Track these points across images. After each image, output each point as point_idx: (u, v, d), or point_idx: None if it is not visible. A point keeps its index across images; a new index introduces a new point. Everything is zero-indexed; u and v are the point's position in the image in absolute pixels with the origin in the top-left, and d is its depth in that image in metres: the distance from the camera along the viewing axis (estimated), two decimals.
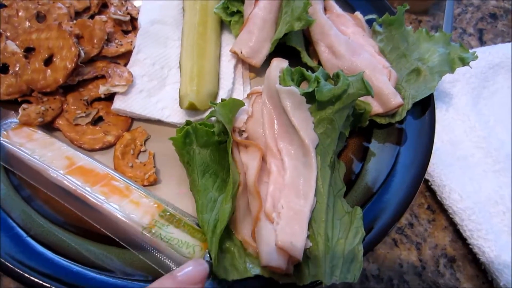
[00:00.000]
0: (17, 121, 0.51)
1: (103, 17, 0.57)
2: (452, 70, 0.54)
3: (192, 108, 0.51)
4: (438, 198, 0.59)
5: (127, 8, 0.60)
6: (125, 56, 0.57)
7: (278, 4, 0.55)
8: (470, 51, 0.54)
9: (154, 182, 0.49)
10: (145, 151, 0.53)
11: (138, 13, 0.60)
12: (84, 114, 0.52)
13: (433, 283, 0.55)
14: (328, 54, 0.54)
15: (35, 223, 0.46)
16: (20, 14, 0.57)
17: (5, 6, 0.57)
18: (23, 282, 0.41)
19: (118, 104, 0.52)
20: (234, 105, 0.45)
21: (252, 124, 0.46)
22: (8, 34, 0.55)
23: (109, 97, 0.54)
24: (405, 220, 0.60)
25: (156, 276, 0.39)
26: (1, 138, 0.48)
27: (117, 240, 0.43)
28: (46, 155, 0.46)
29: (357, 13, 0.59)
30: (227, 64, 0.57)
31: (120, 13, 0.59)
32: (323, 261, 0.40)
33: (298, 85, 0.47)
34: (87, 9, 0.60)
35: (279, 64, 0.47)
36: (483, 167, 0.61)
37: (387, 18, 0.55)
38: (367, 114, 0.50)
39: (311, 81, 0.44)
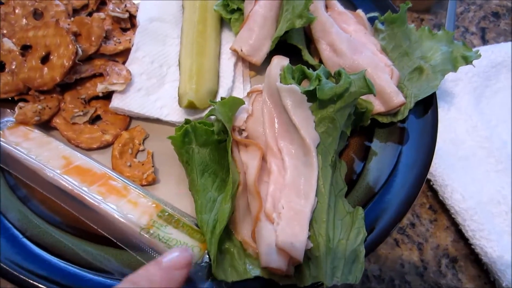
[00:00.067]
0: (13, 120, 0.50)
1: (101, 15, 0.56)
2: (455, 69, 0.53)
3: (191, 107, 0.51)
4: (440, 198, 0.59)
5: (125, 6, 0.60)
6: (124, 54, 0.56)
7: (279, 2, 0.55)
8: (473, 49, 0.54)
9: (152, 182, 0.49)
10: (143, 150, 0.52)
11: (137, 10, 0.60)
12: (81, 113, 0.52)
13: (434, 284, 0.55)
14: (330, 52, 0.53)
15: (31, 223, 0.45)
16: (17, 11, 0.56)
17: (1, 3, 0.57)
18: (19, 285, 0.41)
19: (116, 102, 0.52)
20: (234, 104, 0.44)
21: (252, 123, 0.46)
22: (5, 32, 0.55)
23: (107, 96, 0.53)
24: (406, 220, 0.59)
25: None
26: None
27: (115, 241, 0.42)
28: (43, 154, 0.46)
29: (359, 11, 0.59)
30: (227, 62, 0.57)
31: (118, 10, 0.58)
32: (324, 262, 0.39)
33: (299, 83, 0.46)
34: (85, 6, 0.59)
35: (280, 62, 0.46)
36: (486, 167, 0.61)
37: (389, 16, 0.55)
38: (369, 113, 0.50)
39: (312, 79, 0.44)
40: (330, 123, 0.44)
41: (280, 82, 0.44)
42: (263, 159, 0.43)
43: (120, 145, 0.51)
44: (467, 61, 0.53)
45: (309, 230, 0.40)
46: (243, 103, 0.45)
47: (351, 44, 0.52)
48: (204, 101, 0.51)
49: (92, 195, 0.43)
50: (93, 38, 0.53)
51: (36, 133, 0.49)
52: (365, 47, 0.53)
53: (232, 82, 0.55)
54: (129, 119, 0.54)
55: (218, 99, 0.53)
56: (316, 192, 0.41)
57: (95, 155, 0.51)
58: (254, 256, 0.41)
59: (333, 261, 0.40)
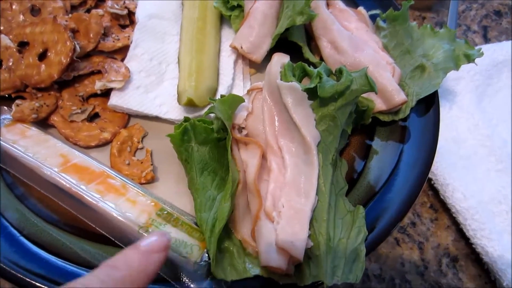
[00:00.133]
0: (11, 117, 0.49)
1: (100, 11, 0.56)
2: (457, 67, 0.53)
3: (190, 104, 0.50)
4: (441, 197, 0.59)
5: (124, 2, 0.59)
6: (122, 51, 0.55)
7: None
8: (475, 48, 0.54)
9: (151, 180, 0.48)
10: (142, 148, 0.52)
11: (136, 7, 0.59)
12: (79, 111, 0.51)
13: (435, 283, 0.55)
14: (331, 49, 0.53)
15: (28, 222, 0.45)
16: (14, 7, 0.56)
17: None
18: (17, 283, 0.40)
19: (115, 100, 0.51)
20: (233, 101, 0.44)
21: (252, 120, 0.45)
22: (2, 28, 0.54)
23: (106, 93, 0.53)
24: (407, 219, 0.59)
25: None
26: None
27: (113, 239, 0.42)
28: (40, 152, 0.45)
29: (360, 8, 0.58)
30: (227, 59, 0.56)
31: (117, 7, 0.58)
32: (324, 261, 0.39)
33: (300, 81, 0.46)
34: (84, 3, 0.59)
35: (280, 60, 0.46)
36: (487, 166, 0.60)
37: (391, 13, 0.54)
38: (370, 111, 0.49)
39: (313, 77, 0.43)
40: (331, 121, 0.43)
41: (281, 79, 0.43)
42: (263, 157, 0.43)
43: (118, 143, 0.50)
44: (469, 59, 0.53)
45: (310, 229, 0.40)
46: (243, 100, 0.45)
47: (353, 41, 0.52)
48: (203, 99, 0.51)
49: (90, 193, 0.43)
50: (91, 35, 0.53)
51: (34, 131, 0.49)
52: (367, 44, 0.53)
53: (232, 80, 0.55)
54: (127, 116, 0.53)
55: (218, 96, 0.52)
56: (317, 191, 0.41)
57: (93, 153, 0.50)
58: (254, 255, 0.41)
59: (333, 260, 0.40)
